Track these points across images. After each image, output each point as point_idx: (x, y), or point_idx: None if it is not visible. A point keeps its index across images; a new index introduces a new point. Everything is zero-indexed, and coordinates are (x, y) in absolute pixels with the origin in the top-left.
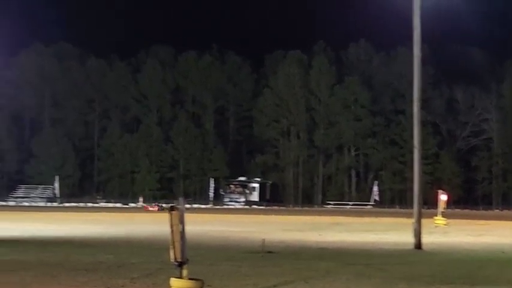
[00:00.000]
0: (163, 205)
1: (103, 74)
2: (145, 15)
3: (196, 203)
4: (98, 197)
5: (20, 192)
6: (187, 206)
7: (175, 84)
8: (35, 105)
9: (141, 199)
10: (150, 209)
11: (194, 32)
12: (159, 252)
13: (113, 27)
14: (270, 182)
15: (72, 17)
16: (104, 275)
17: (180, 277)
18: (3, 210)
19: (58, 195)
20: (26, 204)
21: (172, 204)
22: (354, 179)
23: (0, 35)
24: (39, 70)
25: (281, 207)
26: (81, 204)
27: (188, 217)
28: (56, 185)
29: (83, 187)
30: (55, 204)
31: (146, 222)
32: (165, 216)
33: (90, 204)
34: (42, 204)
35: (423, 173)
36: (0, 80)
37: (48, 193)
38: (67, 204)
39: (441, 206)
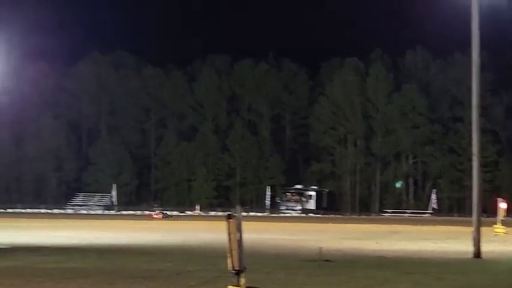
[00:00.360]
0: (168, 213)
1: (160, 82)
2: (201, 24)
3: (252, 211)
4: (155, 205)
5: (78, 200)
6: (244, 214)
7: (231, 92)
8: (92, 113)
9: (197, 207)
10: (155, 216)
11: (250, 40)
12: (216, 260)
13: (169, 36)
14: (327, 190)
15: (129, 26)
16: (162, 283)
17: (238, 285)
18: (62, 218)
19: (115, 203)
20: (84, 212)
21: (229, 213)
22: (411, 187)
23: (57, 45)
24: (96, 79)
25: (338, 216)
26: (138, 212)
27: (245, 225)
28: (114, 193)
29: (140, 195)
30: (112, 212)
31: (202, 230)
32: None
33: (147, 212)
34: (99, 212)
35: (482, 181)
36: (58, 89)
37: (105, 201)
38: (124, 212)
39: (501, 214)
